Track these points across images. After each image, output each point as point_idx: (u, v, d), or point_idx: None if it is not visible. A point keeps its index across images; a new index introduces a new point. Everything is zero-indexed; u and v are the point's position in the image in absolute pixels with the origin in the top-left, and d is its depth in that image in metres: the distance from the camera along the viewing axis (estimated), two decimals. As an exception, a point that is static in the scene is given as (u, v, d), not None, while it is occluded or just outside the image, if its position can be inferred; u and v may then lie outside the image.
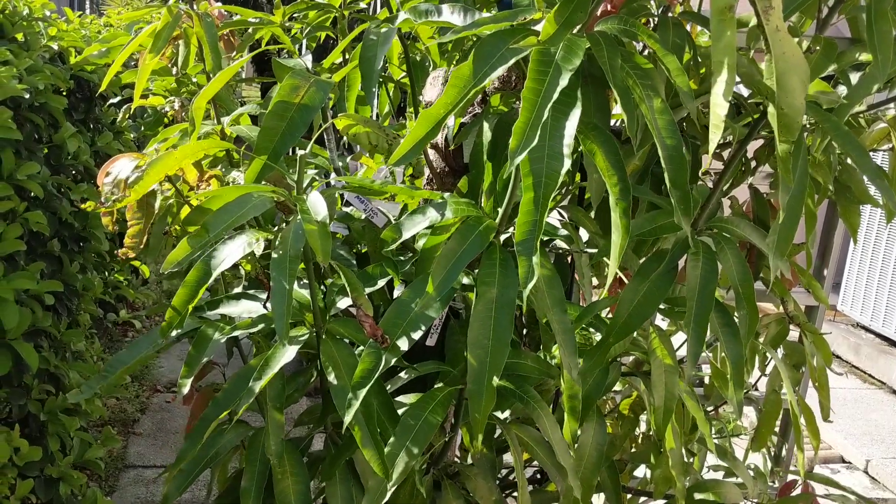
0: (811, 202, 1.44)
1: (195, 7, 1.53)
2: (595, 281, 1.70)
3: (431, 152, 1.58)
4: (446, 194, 1.22)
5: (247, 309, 1.32)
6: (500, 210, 1.20)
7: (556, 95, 0.94)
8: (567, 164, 0.96)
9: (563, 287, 1.72)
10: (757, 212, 1.66)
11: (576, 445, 1.44)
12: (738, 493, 1.70)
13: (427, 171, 1.62)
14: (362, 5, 1.87)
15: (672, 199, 1.03)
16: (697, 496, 1.67)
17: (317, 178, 1.39)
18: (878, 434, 4.37)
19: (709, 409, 1.95)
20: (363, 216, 1.58)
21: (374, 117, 1.95)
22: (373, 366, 1.11)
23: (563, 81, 0.94)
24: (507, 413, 1.48)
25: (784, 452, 2.20)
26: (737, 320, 1.29)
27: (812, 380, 1.81)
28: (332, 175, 1.70)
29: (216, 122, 1.58)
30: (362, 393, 1.09)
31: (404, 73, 1.94)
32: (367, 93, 1.42)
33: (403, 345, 1.13)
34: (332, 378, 1.17)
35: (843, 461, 4.18)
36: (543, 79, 0.95)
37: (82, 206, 1.49)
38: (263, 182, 1.19)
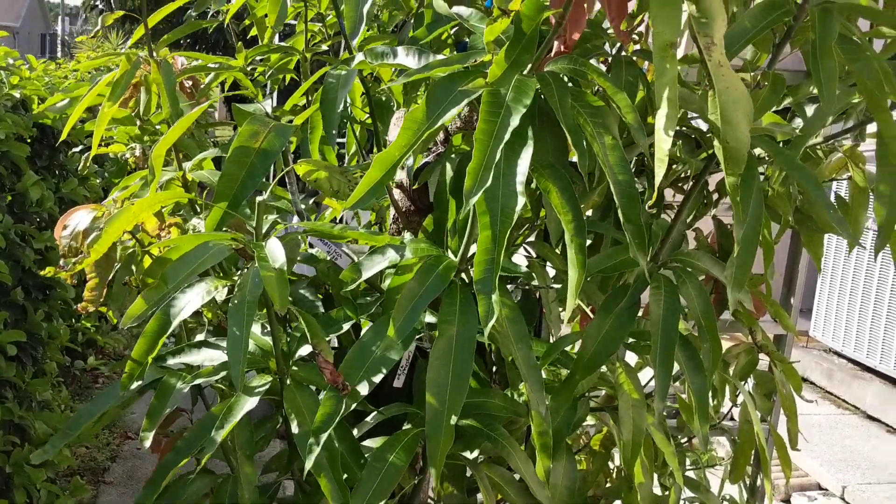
0: (767, 233, 1.45)
1: (155, 54, 1.52)
2: (564, 316, 1.69)
3: (396, 192, 1.58)
4: (408, 236, 1.22)
5: (209, 357, 1.31)
6: (461, 248, 1.20)
7: (507, 136, 0.95)
8: (521, 200, 0.97)
9: (532, 323, 1.72)
10: (721, 242, 1.67)
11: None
12: (711, 525, 1.69)
13: (392, 211, 1.62)
14: (324, 47, 1.88)
15: (626, 233, 1.04)
16: (671, 530, 1.66)
17: (280, 220, 1.39)
18: (854, 460, 4.38)
19: (683, 440, 1.95)
20: (328, 258, 1.57)
21: (343, 158, 1.95)
22: (332, 411, 1.10)
23: (515, 122, 0.95)
24: (476, 453, 1.47)
25: (759, 482, 2.19)
26: (702, 354, 1.29)
27: (783, 408, 1.81)
28: (295, 219, 1.69)
29: (178, 168, 1.57)
30: (322, 438, 1.08)
31: (369, 114, 1.95)
32: (329, 135, 1.42)
33: (364, 389, 1.12)
34: (294, 425, 1.16)
35: (820, 488, 4.18)
36: (495, 120, 0.96)
37: (41, 273, 1.48)
38: (224, 229, 1.19)
